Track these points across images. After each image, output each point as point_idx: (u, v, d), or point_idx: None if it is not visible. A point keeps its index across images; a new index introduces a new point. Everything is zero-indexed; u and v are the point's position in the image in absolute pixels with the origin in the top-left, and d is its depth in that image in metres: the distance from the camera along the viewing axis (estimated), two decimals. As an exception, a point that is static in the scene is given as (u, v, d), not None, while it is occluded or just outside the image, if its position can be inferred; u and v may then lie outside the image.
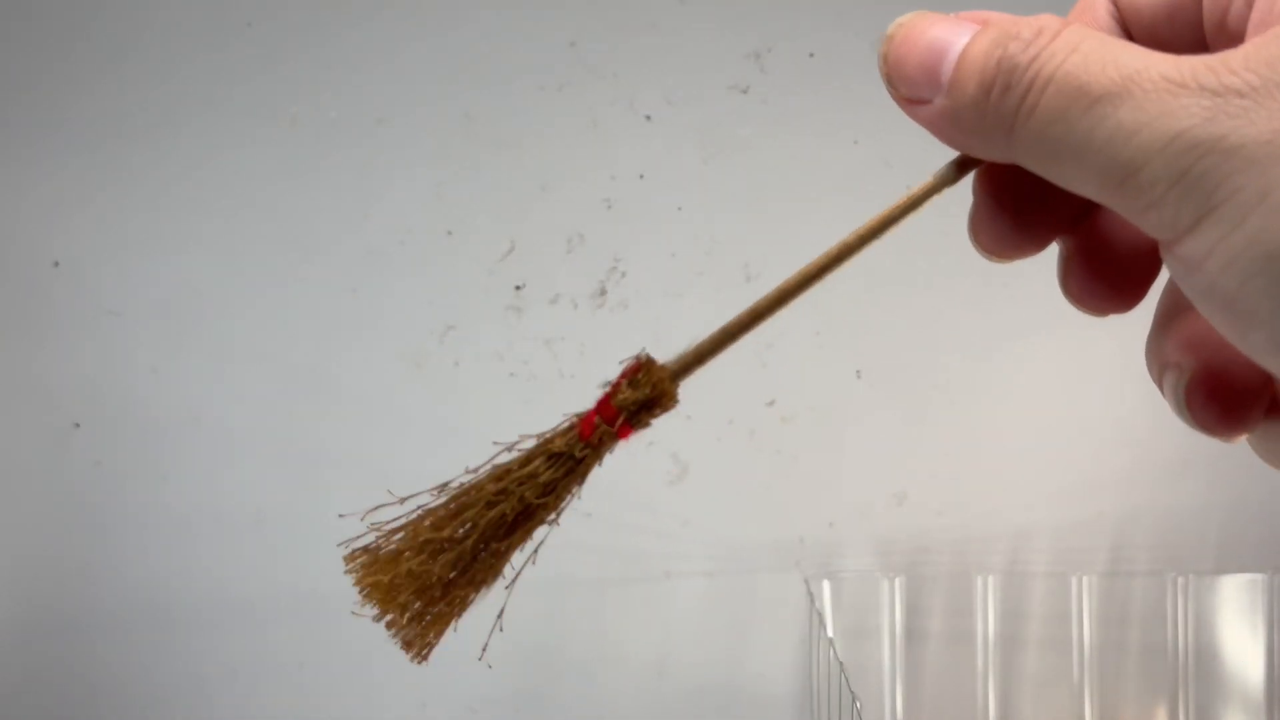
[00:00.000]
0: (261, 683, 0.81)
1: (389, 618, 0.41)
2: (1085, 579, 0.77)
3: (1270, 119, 0.26)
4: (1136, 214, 0.28)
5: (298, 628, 0.81)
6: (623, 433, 0.38)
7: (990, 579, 0.77)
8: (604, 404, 0.38)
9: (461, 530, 0.40)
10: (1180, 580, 0.76)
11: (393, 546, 0.40)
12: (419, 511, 0.40)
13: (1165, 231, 0.28)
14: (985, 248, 0.34)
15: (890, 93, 0.33)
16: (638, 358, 0.38)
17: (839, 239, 0.36)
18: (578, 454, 0.38)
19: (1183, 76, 0.28)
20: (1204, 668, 0.76)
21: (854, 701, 0.55)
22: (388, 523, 0.40)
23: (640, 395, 0.38)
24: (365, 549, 0.40)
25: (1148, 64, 0.28)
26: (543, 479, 0.39)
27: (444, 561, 0.40)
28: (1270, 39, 0.27)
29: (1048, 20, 0.30)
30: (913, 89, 0.32)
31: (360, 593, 0.40)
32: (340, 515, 0.40)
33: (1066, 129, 0.29)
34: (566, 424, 0.39)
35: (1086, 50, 0.29)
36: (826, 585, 0.74)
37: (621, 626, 0.81)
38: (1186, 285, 0.28)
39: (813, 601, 0.71)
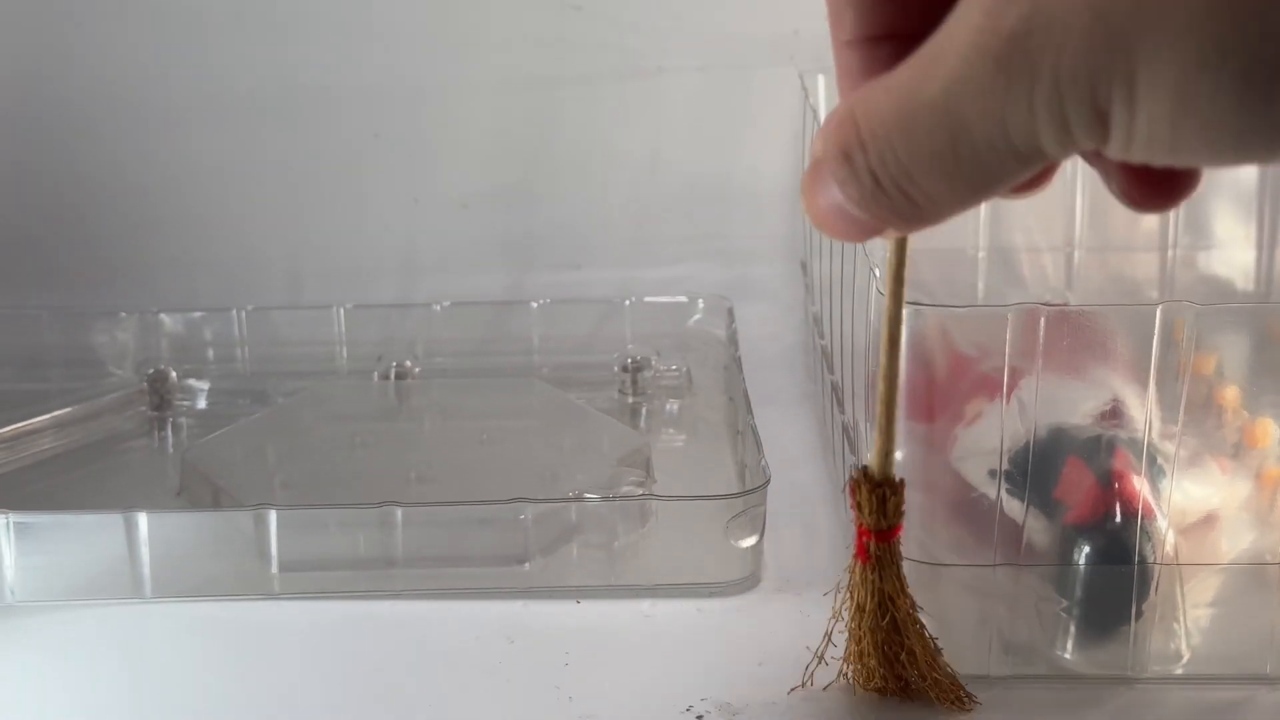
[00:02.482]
0: (249, 179, 0.81)
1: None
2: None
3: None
4: (1065, 157, 0.30)
5: (286, 123, 0.80)
6: (890, 537, 0.46)
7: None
8: (862, 535, 0.46)
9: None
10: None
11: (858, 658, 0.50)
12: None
13: (1095, 145, 0.29)
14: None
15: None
16: (853, 480, 0.46)
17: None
18: (875, 581, 0.47)
19: (974, 55, 0.29)
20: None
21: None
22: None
23: (877, 512, 0.46)
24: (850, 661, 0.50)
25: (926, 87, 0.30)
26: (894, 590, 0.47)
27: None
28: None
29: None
30: (860, 236, 0.35)
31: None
32: None
33: (964, 180, 0.31)
34: (847, 577, 0.48)
35: (881, 98, 0.31)
36: (821, 80, 0.73)
37: (614, 122, 0.81)
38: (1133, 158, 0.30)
39: (806, 97, 0.71)
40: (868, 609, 0.47)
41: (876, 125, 0.31)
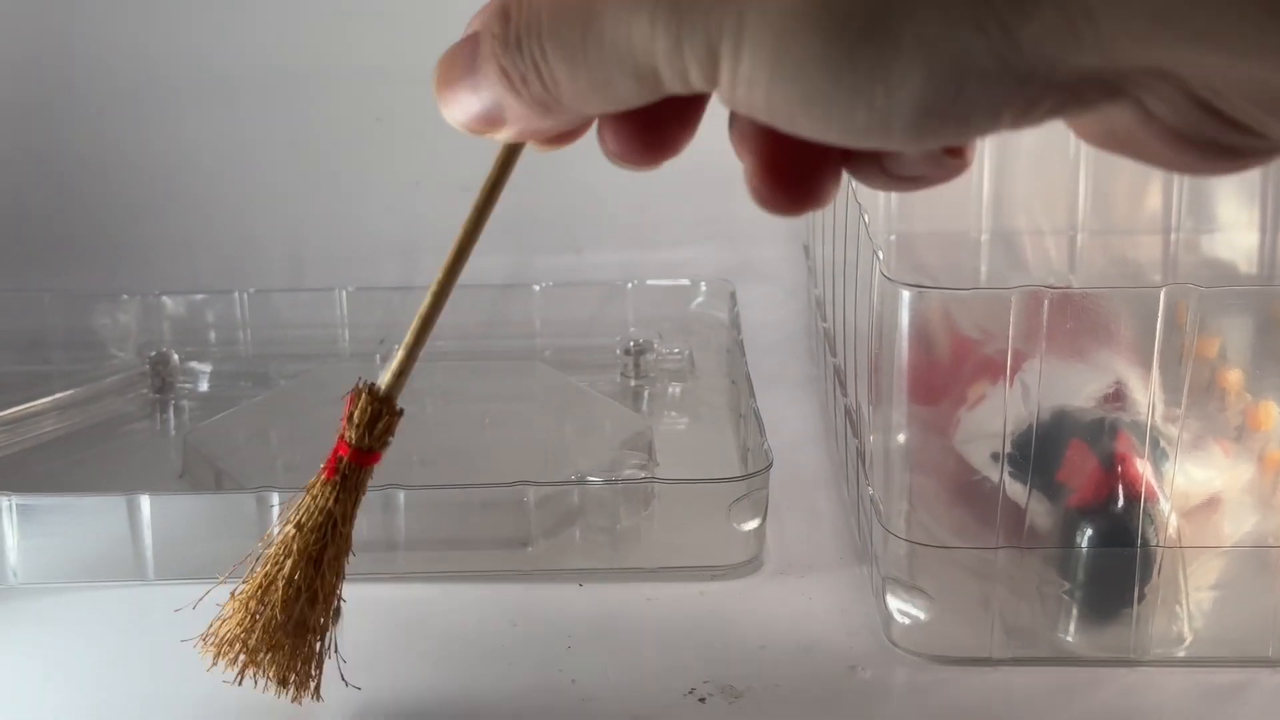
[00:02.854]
0: (250, 162, 0.81)
1: (260, 674, 0.46)
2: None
3: None
4: (684, 86, 0.30)
5: (288, 106, 0.80)
6: (366, 461, 0.44)
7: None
8: (340, 447, 0.44)
9: (280, 587, 0.45)
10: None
11: (230, 624, 0.45)
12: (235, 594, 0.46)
13: (707, 83, 0.29)
14: (620, 158, 0.36)
15: (469, 131, 0.36)
16: (355, 390, 0.44)
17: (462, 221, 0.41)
18: (333, 499, 0.44)
19: None
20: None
21: (848, 181, 0.55)
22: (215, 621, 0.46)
23: (364, 421, 0.44)
24: (205, 637, 0.46)
25: None
26: (314, 524, 0.44)
27: (279, 607, 0.45)
28: None
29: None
30: (480, 125, 0.35)
31: (226, 666, 0.45)
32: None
33: (586, 66, 0.31)
34: (315, 480, 0.44)
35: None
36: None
37: (615, 105, 0.81)
38: (740, 110, 0.30)
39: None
40: (306, 528, 0.44)
41: None
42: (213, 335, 0.75)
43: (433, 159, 0.81)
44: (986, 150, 0.77)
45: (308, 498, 0.44)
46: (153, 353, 0.73)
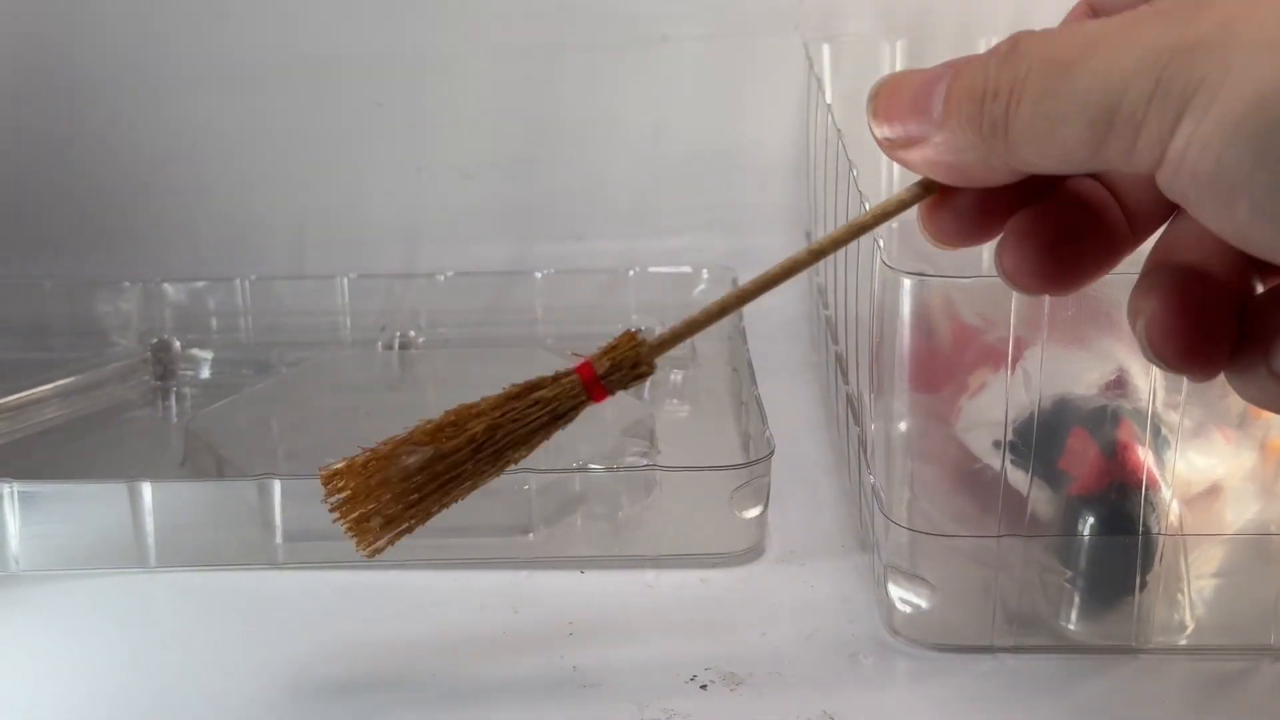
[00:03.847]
0: (252, 149, 0.81)
1: (356, 514, 0.44)
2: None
3: (1219, 10, 0.29)
4: (1129, 151, 0.30)
5: (289, 92, 0.80)
6: (596, 393, 0.42)
7: (994, 40, 0.76)
8: (583, 368, 0.42)
9: (440, 445, 0.43)
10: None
11: (375, 457, 0.44)
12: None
13: (1155, 148, 0.30)
14: (938, 239, 0.37)
15: (882, 144, 0.36)
16: (628, 332, 0.42)
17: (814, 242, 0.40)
18: (562, 403, 0.43)
19: (1138, 13, 0.30)
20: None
21: (850, 169, 0.55)
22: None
23: (621, 365, 0.42)
24: (347, 461, 0.44)
25: (1108, 20, 0.31)
26: (527, 418, 0.43)
27: (417, 469, 0.43)
28: None
29: (1016, 34, 0.33)
30: (906, 130, 0.35)
31: (336, 497, 0.44)
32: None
33: (1052, 100, 0.31)
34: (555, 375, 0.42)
35: (1055, 34, 0.32)
36: (826, 49, 0.73)
37: (617, 91, 0.81)
38: (1176, 190, 0.30)
39: (811, 66, 0.70)
40: (495, 414, 0.43)
41: (1032, 52, 0.32)
42: (214, 322, 0.75)
43: (434, 145, 0.81)
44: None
45: (529, 386, 0.43)
46: (154, 340, 0.73)
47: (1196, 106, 0.29)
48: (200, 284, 0.75)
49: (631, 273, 0.75)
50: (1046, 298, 0.46)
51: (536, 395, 0.43)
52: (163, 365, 0.72)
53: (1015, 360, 0.47)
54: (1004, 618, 0.50)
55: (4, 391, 0.69)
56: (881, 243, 0.48)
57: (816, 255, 0.40)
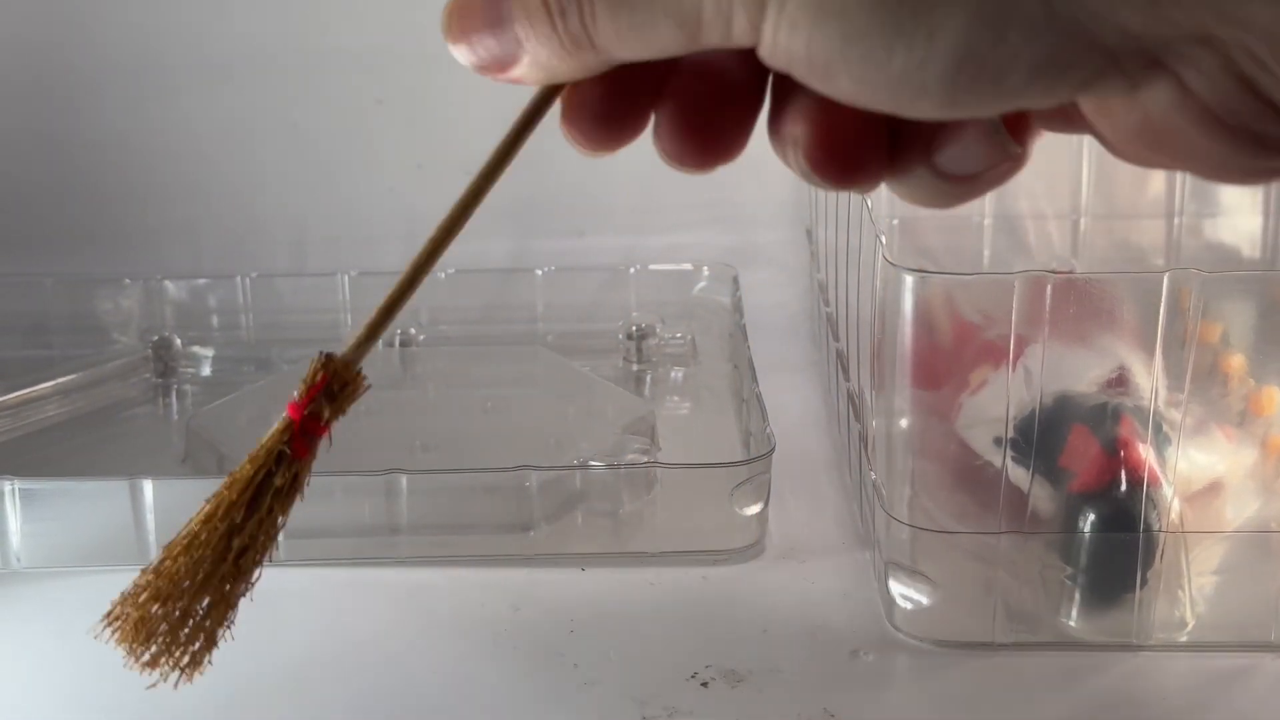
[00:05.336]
0: (253, 146, 0.81)
1: (151, 653, 0.41)
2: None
3: None
4: (725, 37, 0.30)
5: (290, 88, 0.80)
6: (320, 431, 0.41)
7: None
8: (297, 419, 0.40)
9: (197, 554, 0.41)
10: None
11: (139, 596, 0.41)
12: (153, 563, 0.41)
13: (749, 34, 0.29)
14: (584, 143, 0.36)
15: (476, 69, 0.35)
16: (320, 361, 0.39)
17: (468, 182, 0.38)
18: (284, 475, 0.41)
19: None
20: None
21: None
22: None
23: (330, 402, 0.40)
24: (110, 614, 0.41)
25: None
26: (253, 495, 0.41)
27: (184, 581, 0.41)
28: None
29: None
30: (492, 54, 0.35)
31: (122, 646, 0.41)
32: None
33: (630, 10, 0.30)
34: (268, 445, 0.40)
35: None
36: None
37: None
38: (779, 68, 0.30)
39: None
40: (239, 500, 0.41)
41: None
42: (215, 320, 0.75)
43: (435, 141, 0.81)
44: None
45: (249, 470, 0.41)
46: (155, 337, 0.73)
47: (772, 5, 0.29)
48: (201, 281, 0.75)
49: (632, 270, 0.75)
50: (1048, 295, 0.46)
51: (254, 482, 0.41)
52: (164, 362, 0.72)
53: (1016, 357, 0.47)
54: (1005, 614, 0.50)
55: (5, 389, 0.69)
56: (883, 239, 0.49)
57: (477, 193, 0.39)
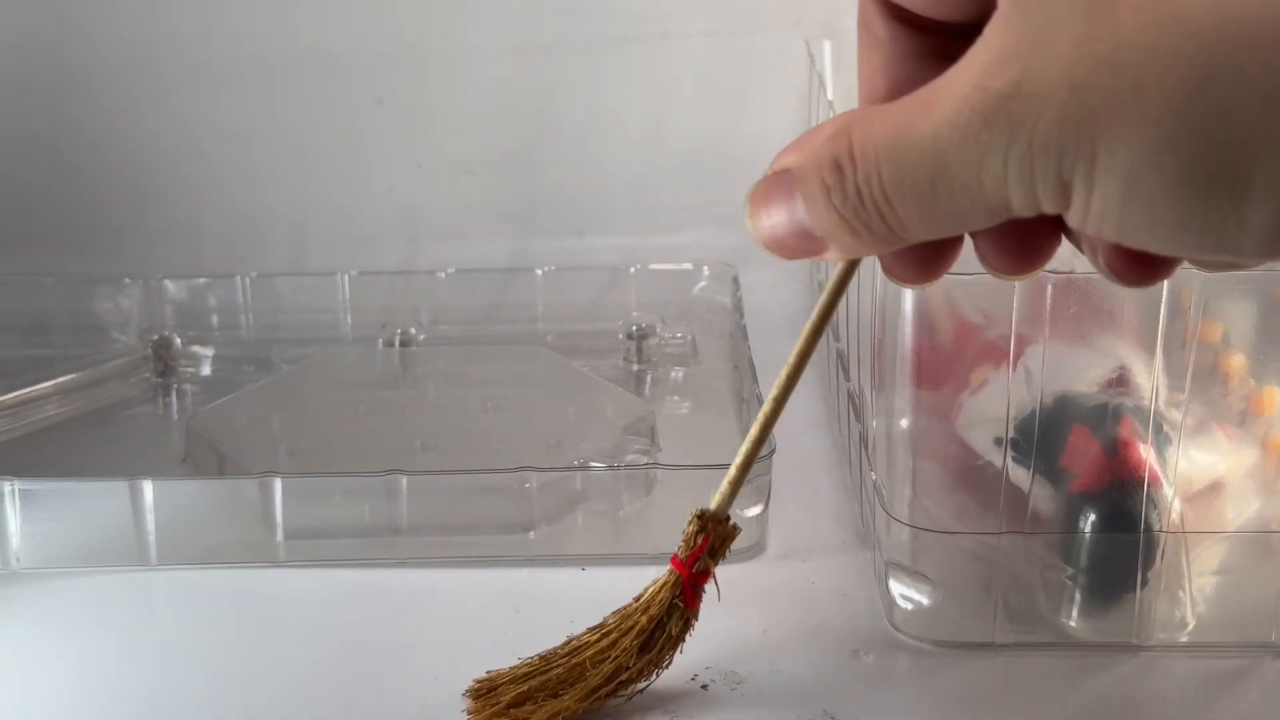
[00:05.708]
0: (252, 146, 0.81)
1: None
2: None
3: (1048, 98, 0.30)
4: (1034, 211, 0.32)
5: (290, 88, 0.80)
6: (705, 581, 0.46)
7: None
8: (686, 575, 0.46)
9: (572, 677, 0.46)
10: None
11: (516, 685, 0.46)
12: (538, 659, 0.47)
13: (1057, 212, 0.32)
14: (908, 285, 0.39)
15: (786, 255, 0.37)
16: (699, 519, 0.46)
17: (795, 349, 0.42)
18: (677, 624, 0.46)
19: (959, 101, 0.31)
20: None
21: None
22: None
23: (710, 556, 0.46)
24: (489, 682, 0.47)
25: (933, 115, 0.32)
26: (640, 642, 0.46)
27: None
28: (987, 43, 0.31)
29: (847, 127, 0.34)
30: (804, 254, 0.37)
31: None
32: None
33: (933, 215, 0.33)
34: (660, 597, 0.46)
35: (886, 123, 0.33)
36: (827, 46, 0.72)
37: (619, 88, 0.81)
38: (1089, 234, 0.32)
39: (813, 63, 0.70)
40: (631, 644, 0.46)
41: (869, 146, 0.33)
42: (215, 319, 0.75)
43: (434, 141, 0.81)
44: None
45: (640, 612, 0.46)
46: (155, 337, 0.73)
47: (1078, 191, 0.31)
48: (201, 281, 0.75)
49: (633, 270, 0.75)
50: (1049, 295, 0.46)
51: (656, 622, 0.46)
52: (164, 362, 0.72)
53: (1017, 357, 0.47)
54: (1005, 614, 0.50)
55: (5, 388, 0.69)
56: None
57: (802, 359, 0.43)
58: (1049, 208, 0.31)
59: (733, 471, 0.45)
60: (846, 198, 0.34)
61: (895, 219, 0.33)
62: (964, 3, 0.35)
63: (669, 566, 0.46)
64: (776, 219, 0.36)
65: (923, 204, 0.33)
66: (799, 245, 0.36)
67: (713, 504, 0.46)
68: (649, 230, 0.81)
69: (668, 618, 0.46)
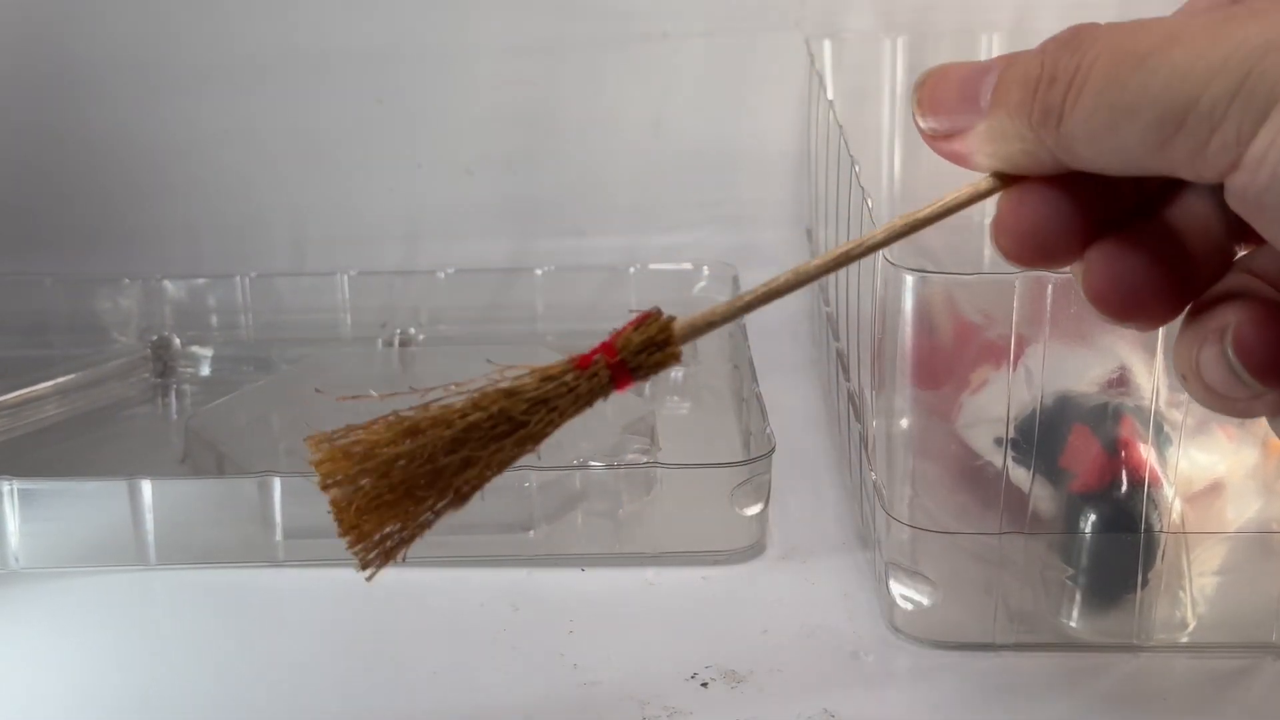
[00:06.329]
0: (252, 145, 0.81)
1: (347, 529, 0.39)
2: (1092, 36, 0.76)
3: None
4: (1197, 153, 0.29)
5: (289, 88, 0.80)
6: (620, 380, 0.38)
7: (995, 37, 0.76)
8: (608, 345, 0.37)
9: (435, 436, 0.38)
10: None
11: (361, 439, 0.39)
12: (394, 414, 0.39)
13: (1228, 153, 0.29)
14: (1012, 256, 0.34)
15: (925, 136, 0.34)
16: (650, 311, 0.37)
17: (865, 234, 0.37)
18: (569, 381, 0.38)
19: (1228, 10, 0.29)
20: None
21: (852, 165, 0.55)
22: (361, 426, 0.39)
23: (644, 339, 0.37)
24: (331, 437, 0.39)
25: (1191, 16, 0.30)
26: (528, 396, 0.38)
27: (413, 468, 0.38)
28: None
29: (1076, 25, 0.31)
30: (952, 121, 0.33)
31: (322, 483, 0.38)
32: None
33: (1120, 90, 0.30)
34: (564, 359, 0.38)
35: (1127, 25, 0.30)
36: (827, 45, 0.72)
37: (618, 88, 0.80)
38: (1249, 197, 0.29)
39: (812, 62, 0.70)
40: (512, 396, 0.38)
41: (1094, 43, 0.31)
42: (214, 319, 0.74)
43: (434, 141, 0.81)
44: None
45: (536, 370, 0.39)
46: (154, 337, 0.73)
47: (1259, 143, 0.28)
48: (200, 281, 0.74)
49: (632, 269, 0.75)
50: (1049, 295, 0.46)
51: (562, 380, 0.39)
52: (163, 362, 0.72)
53: (1017, 357, 0.47)
54: (1005, 615, 0.50)
55: (4, 388, 0.68)
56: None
57: (864, 249, 0.37)
58: (1218, 148, 0.29)
59: (722, 306, 0.39)
60: (1063, 44, 0.31)
61: (1078, 85, 0.30)
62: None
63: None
64: (952, 87, 0.33)
65: (1112, 80, 0.30)
66: (958, 113, 0.33)
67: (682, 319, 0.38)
68: (649, 230, 0.81)
69: (578, 378, 0.39)
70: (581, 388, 0.38)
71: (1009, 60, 0.32)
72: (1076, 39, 0.31)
